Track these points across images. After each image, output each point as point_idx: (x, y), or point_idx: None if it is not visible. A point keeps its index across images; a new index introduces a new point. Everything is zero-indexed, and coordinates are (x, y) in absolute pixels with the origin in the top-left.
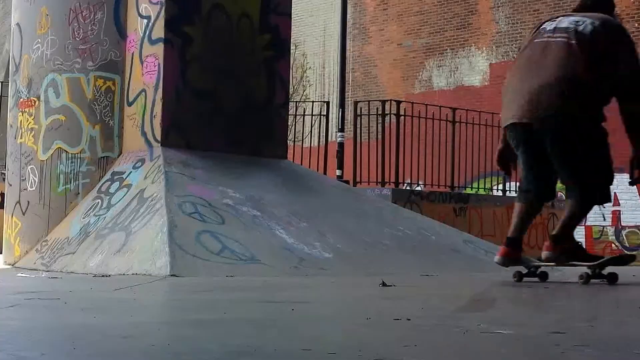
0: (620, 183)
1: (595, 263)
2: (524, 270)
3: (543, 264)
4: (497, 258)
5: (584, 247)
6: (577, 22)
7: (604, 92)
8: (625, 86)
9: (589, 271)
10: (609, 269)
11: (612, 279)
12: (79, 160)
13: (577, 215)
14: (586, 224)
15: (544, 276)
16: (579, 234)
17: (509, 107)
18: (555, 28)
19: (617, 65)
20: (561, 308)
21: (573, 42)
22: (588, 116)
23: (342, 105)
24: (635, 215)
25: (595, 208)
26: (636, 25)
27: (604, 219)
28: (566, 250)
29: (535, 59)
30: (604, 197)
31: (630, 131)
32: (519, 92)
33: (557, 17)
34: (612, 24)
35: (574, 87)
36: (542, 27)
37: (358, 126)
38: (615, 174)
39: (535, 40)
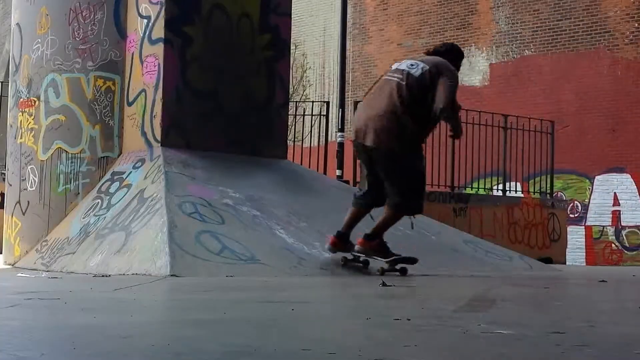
0: (620, 183)
1: (390, 259)
2: (349, 257)
3: (357, 254)
4: (327, 246)
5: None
6: (412, 65)
7: (420, 128)
8: (437, 119)
9: (385, 265)
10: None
11: (403, 272)
12: (79, 160)
13: (390, 222)
14: (586, 224)
15: (366, 263)
16: (579, 234)
17: (354, 126)
18: (396, 69)
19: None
20: (561, 308)
21: (402, 82)
22: (407, 150)
23: (342, 105)
24: (635, 215)
25: (597, 210)
26: (636, 25)
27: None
28: (373, 246)
29: (376, 93)
30: (416, 210)
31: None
32: (361, 118)
33: (403, 60)
34: (442, 65)
35: (395, 124)
36: (391, 65)
37: None
38: (615, 173)
39: (383, 77)
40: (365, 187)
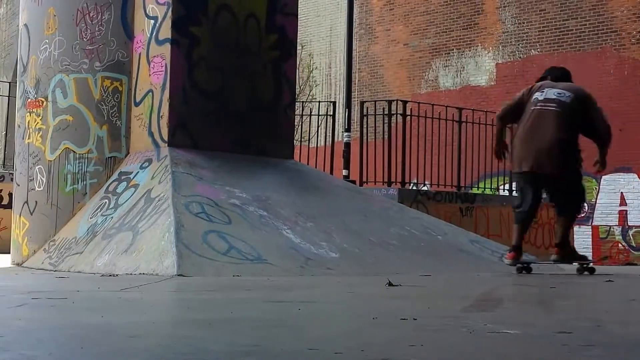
0: (627, 183)
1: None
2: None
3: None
4: (507, 261)
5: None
6: (560, 94)
7: (578, 144)
8: (601, 136)
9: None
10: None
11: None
12: (86, 160)
13: (570, 227)
14: (593, 223)
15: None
16: (586, 234)
17: (523, 158)
18: (545, 99)
19: (593, 123)
20: (567, 308)
21: (559, 110)
22: (576, 166)
23: (348, 105)
24: None
25: (604, 210)
26: None
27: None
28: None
29: (535, 124)
30: (580, 213)
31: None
32: (530, 149)
33: (545, 89)
34: (583, 94)
35: (568, 146)
36: (534, 97)
37: (364, 126)
38: (622, 173)
39: (532, 108)
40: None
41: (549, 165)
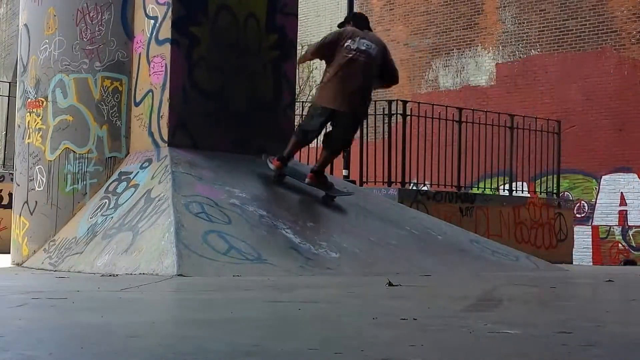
0: (627, 183)
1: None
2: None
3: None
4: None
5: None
6: (368, 46)
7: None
8: (393, 80)
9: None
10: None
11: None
12: (86, 160)
13: (330, 160)
14: (593, 223)
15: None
16: (586, 234)
17: (333, 97)
18: (357, 48)
19: (389, 70)
20: (567, 308)
21: (367, 61)
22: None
23: None
24: None
25: (604, 210)
26: None
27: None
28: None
29: (347, 71)
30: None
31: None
32: (342, 91)
33: (356, 37)
34: (384, 46)
35: (369, 92)
36: (346, 44)
37: (364, 126)
38: (622, 173)
39: (345, 55)
40: None
41: (356, 105)
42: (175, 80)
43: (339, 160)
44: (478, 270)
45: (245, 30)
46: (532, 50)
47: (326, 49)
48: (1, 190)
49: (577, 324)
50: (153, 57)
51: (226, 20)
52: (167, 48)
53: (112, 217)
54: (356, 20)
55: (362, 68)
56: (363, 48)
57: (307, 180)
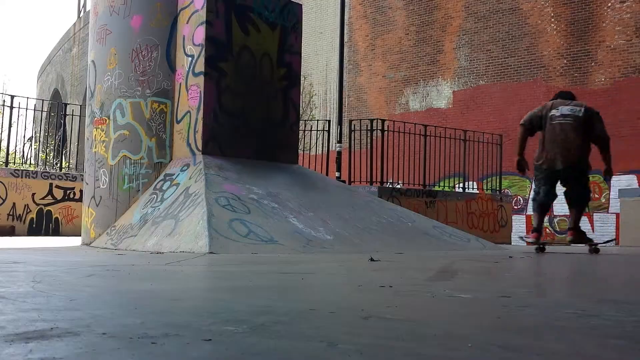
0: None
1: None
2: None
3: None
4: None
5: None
6: (572, 110)
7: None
8: (601, 142)
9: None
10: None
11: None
12: (139, 165)
13: (581, 215)
14: (527, 214)
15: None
16: (521, 221)
17: (552, 158)
18: (562, 114)
19: (595, 132)
20: (509, 278)
21: (575, 123)
22: (588, 161)
23: (340, 123)
24: (564, 207)
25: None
26: (565, 61)
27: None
28: (578, 235)
29: (557, 133)
30: (587, 203)
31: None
32: (556, 152)
33: (558, 106)
34: (590, 110)
35: (583, 146)
36: (551, 113)
37: (352, 139)
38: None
39: (553, 122)
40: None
41: (571, 158)
42: (208, 103)
43: (332, 165)
44: (439, 249)
45: (261, 66)
46: (481, 81)
47: (535, 120)
48: (75, 187)
49: (515, 290)
50: (190, 86)
51: (246, 58)
52: (201, 79)
53: (159, 209)
54: (562, 95)
55: (571, 129)
56: (567, 112)
57: (568, 238)
